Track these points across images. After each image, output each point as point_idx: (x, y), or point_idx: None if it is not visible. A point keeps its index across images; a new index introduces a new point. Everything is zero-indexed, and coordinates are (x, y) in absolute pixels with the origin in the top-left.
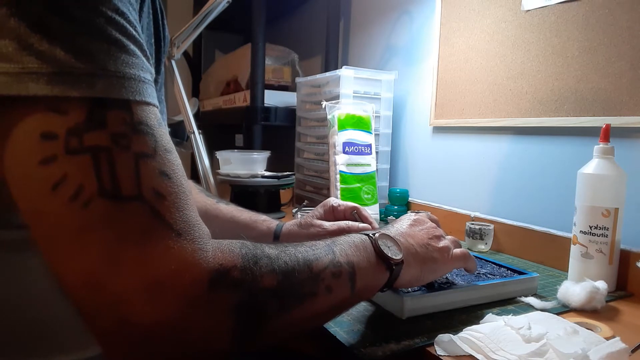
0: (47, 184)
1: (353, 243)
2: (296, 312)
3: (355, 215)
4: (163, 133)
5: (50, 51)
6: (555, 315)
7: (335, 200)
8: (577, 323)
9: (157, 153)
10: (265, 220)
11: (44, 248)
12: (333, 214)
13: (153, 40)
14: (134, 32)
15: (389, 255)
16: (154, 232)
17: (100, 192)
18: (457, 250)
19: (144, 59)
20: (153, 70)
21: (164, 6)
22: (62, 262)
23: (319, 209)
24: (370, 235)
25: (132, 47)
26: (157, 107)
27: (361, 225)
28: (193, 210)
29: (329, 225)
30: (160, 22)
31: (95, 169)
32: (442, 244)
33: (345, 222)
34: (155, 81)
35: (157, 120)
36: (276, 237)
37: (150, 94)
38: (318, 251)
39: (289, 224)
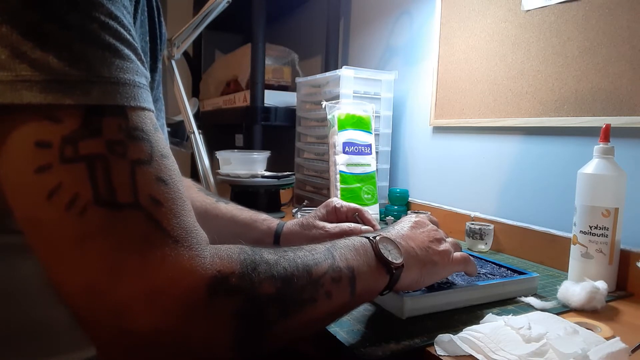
0: (43, 192)
1: (353, 247)
2: (296, 317)
3: (357, 217)
4: (159, 138)
5: (43, 58)
6: (555, 315)
7: (337, 201)
8: (577, 323)
9: (154, 159)
10: (265, 220)
11: (41, 256)
12: (335, 214)
13: (148, 38)
14: (128, 36)
15: (390, 259)
16: (151, 239)
17: (96, 200)
18: (457, 254)
19: (138, 63)
20: (148, 74)
21: (163, 6)
22: (59, 271)
23: (321, 210)
24: (371, 238)
25: (127, 51)
26: (153, 112)
27: (363, 227)
28: (190, 216)
29: (331, 227)
30: (157, 19)
31: (90, 177)
32: (442, 247)
33: (347, 224)
34: (153, 79)
35: (153, 125)
36: (277, 236)
37: (146, 98)
38: (317, 256)
39: (290, 224)
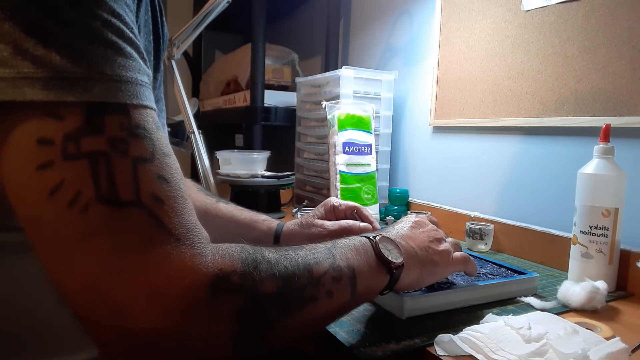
0: (45, 190)
1: (353, 246)
2: (297, 317)
3: (355, 215)
4: (161, 137)
5: (46, 56)
6: (555, 315)
7: (335, 200)
8: (577, 323)
9: (155, 157)
10: (265, 220)
11: (42, 254)
12: (334, 213)
13: (152, 38)
14: (131, 34)
15: (390, 259)
16: (153, 237)
17: (99, 198)
18: (457, 254)
19: (141, 61)
20: (150, 73)
21: (163, 6)
22: (60, 269)
23: (319, 209)
24: (371, 237)
25: (129, 49)
26: (155, 110)
27: (362, 224)
28: (192, 215)
29: (330, 224)
30: (159, 19)
31: (93, 174)
32: (442, 247)
33: (346, 221)
34: (155, 79)
35: (154, 123)
36: (277, 237)
37: (148, 97)
38: (318, 255)
39: (289, 224)
